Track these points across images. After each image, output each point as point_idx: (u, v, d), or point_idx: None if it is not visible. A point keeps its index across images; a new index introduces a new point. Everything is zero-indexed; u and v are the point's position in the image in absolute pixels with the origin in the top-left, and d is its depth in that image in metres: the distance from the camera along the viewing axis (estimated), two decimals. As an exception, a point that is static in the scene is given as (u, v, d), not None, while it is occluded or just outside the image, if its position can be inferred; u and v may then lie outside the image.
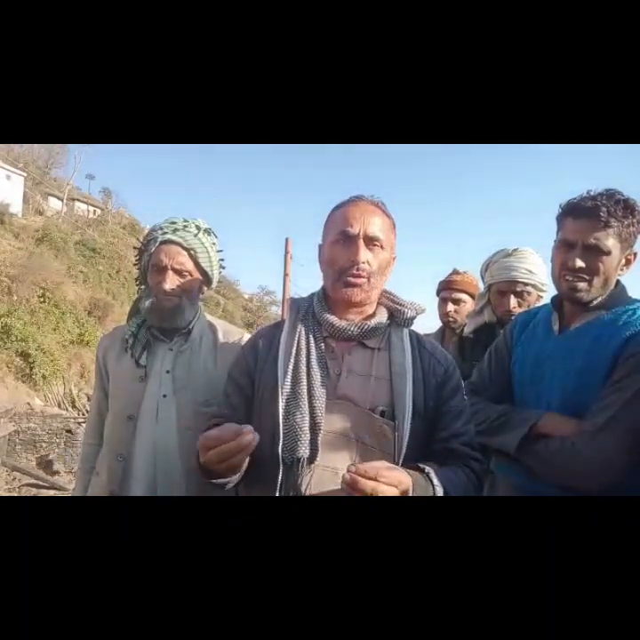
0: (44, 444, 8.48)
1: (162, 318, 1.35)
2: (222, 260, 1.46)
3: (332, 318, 1.06)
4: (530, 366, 1.28)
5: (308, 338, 1.05)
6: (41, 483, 6.95)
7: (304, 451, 0.96)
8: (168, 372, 1.36)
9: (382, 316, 1.08)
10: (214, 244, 1.41)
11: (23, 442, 8.38)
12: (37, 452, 8.23)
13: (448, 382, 1.07)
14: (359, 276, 1.02)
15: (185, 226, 1.36)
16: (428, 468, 0.92)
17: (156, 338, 1.39)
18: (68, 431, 9.02)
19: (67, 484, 6.89)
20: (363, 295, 1.04)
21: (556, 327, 1.26)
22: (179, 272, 1.34)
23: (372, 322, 1.06)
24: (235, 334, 1.46)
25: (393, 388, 1.00)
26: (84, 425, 9.65)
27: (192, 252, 1.34)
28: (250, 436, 0.83)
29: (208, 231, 1.40)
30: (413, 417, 0.98)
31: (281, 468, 0.96)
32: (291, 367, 1.01)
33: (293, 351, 1.03)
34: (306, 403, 0.98)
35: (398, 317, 1.09)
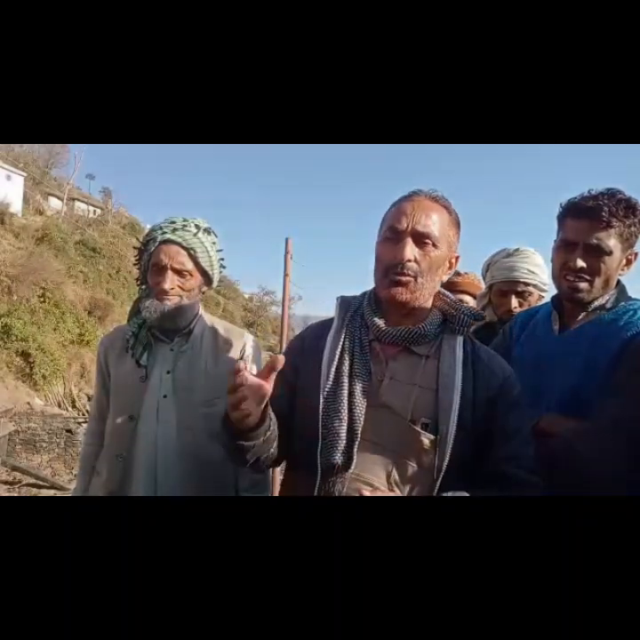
0: (44, 444, 8.49)
1: (162, 318, 1.35)
2: (222, 259, 1.46)
3: (379, 321, 1.00)
4: (529, 366, 1.28)
5: (353, 340, 1.00)
6: (41, 483, 6.95)
7: (339, 457, 0.92)
8: (168, 372, 1.36)
9: (434, 321, 1.01)
10: (214, 243, 1.41)
11: (23, 442, 8.39)
12: (37, 452, 8.23)
13: (503, 396, 0.97)
14: (404, 274, 0.96)
15: (184, 225, 1.35)
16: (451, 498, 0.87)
17: (157, 338, 1.39)
18: (68, 431, 9.04)
19: (67, 484, 6.89)
20: (408, 295, 0.97)
21: (556, 327, 1.26)
22: (178, 272, 1.33)
23: (421, 327, 0.98)
24: (236, 334, 1.45)
25: (438, 400, 0.93)
26: (84, 425, 9.67)
27: (192, 251, 1.34)
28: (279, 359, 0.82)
29: (208, 230, 1.39)
30: (459, 432, 0.91)
31: (319, 472, 0.94)
32: (333, 369, 0.97)
33: (337, 353, 0.99)
34: (345, 408, 0.94)
35: (453, 323, 1.01)
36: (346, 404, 0.94)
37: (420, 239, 0.96)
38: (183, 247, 1.33)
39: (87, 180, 34.60)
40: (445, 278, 1.05)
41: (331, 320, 1.08)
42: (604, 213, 1.10)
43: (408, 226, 0.96)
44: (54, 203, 26.61)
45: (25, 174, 24.02)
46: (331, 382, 0.96)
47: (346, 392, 0.95)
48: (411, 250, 0.95)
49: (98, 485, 1.39)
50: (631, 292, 1.20)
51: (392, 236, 0.98)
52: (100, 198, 32.83)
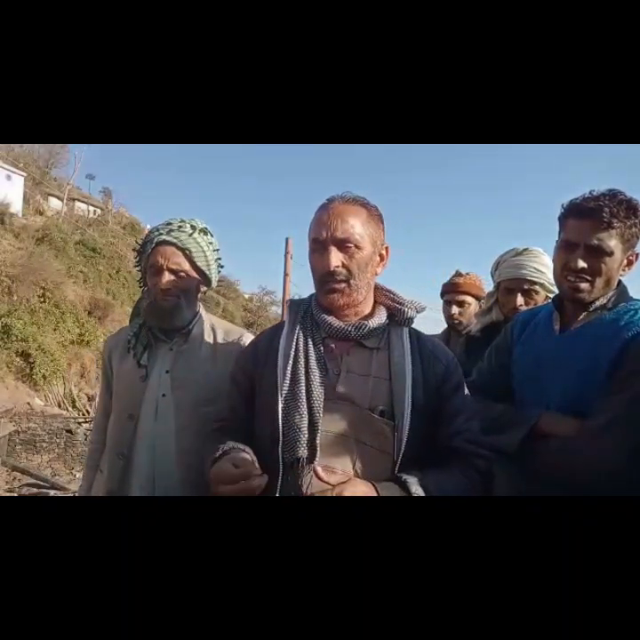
0: (44, 444, 8.48)
1: (160, 319, 1.37)
2: (220, 259, 1.47)
3: (330, 319, 1.05)
4: (530, 365, 1.28)
5: (306, 339, 1.05)
6: (41, 483, 6.94)
7: (303, 451, 0.96)
8: (167, 372, 1.37)
9: (381, 316, 1.08)
10: (211, 243, 1.42)
11: (23, 442, 8.38)
12: (37, 452, 8.23)
13: (449, 380, 1.06)
14: (336, 282, 1.02)
15: (180, 226, 1.37)
16: (405, 477, 0.92)
17: (157, 338, 1.41)
18: (68, 431, 9.03)
19: (67, 484, 6.89)
20: (344, 299, 1.04)
21: (556, 327, 1.26)
22: (175, 272, 1.35)
23: (370, 322, 1.05)
24: (235, 334, 1.46)
25: (392, 388, 1.00)
26: (84, 425, 9.67)
27: (187, 251, 1.36)
28: (258, 480, 0.87)
29: (204, 231, 1.41)
30: (413, 416, 0.98)
31: (281, 468, 0.97)
32: (289, 368, 1.01)
33: (292, 352, 1.03)
34: (304, 403, 0.98)
35: (398, 316, 1.09)
36: (305, 400, 0.98)
37: (342, 245, 1.01)
38: (178, 248, 1.35)
39: (87, 180, 34.60)
40: (380, 270, 1.10)
41: (282, 323, 1.13)
42: (605, 214, 1.10)
43: (327, 234, 1.01)
44: (54, 203, 26.61)
45: (25, 174, 24.01)
46: (288, 381, 1.01)
47: (304, 388, 0.99)
48: (336, 257, 1.01)
49: (100, 484, 1.41)
50: (632, 293, 1.20)
51: (317, 247, 1.04)
52: (100, 198, 32.80)
